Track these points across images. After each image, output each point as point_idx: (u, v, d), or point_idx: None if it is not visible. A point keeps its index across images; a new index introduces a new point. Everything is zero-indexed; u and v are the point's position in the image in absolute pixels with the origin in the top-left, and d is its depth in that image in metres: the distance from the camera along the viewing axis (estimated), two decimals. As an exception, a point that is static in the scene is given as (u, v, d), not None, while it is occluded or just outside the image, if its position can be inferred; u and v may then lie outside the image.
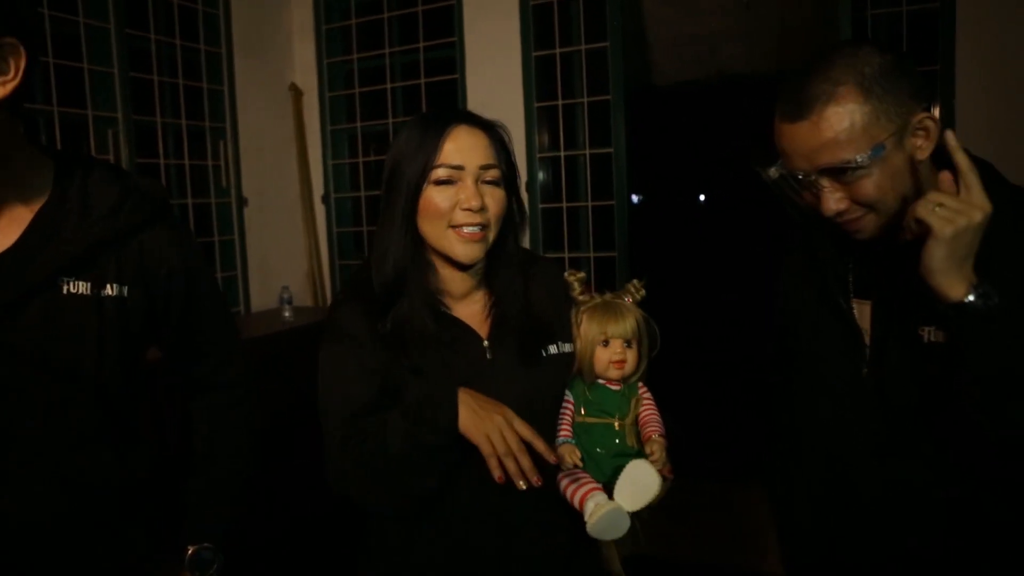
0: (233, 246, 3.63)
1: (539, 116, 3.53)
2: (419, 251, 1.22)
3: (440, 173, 1.17)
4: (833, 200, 1.04)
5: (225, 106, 3.57)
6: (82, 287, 0.99)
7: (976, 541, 1.06)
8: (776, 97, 1.07)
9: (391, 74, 3.84)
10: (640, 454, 1.18)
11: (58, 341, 0.98)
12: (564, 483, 1.18)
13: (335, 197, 4.04)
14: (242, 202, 3.64)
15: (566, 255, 3.56)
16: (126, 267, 1.03)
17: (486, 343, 1.24)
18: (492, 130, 1.23)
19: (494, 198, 1.20)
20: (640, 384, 1.27)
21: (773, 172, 1.09)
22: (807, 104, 1.00)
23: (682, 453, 1.21)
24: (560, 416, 1.23)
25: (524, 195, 1.43)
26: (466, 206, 1.16)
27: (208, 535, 1.17)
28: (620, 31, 3.34)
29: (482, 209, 1.17)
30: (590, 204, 3.52)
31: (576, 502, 1.15)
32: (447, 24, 3.65)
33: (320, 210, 4.05)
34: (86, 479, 1.04)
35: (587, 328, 1.24)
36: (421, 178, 1.17)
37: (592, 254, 3.52)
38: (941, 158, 1.08)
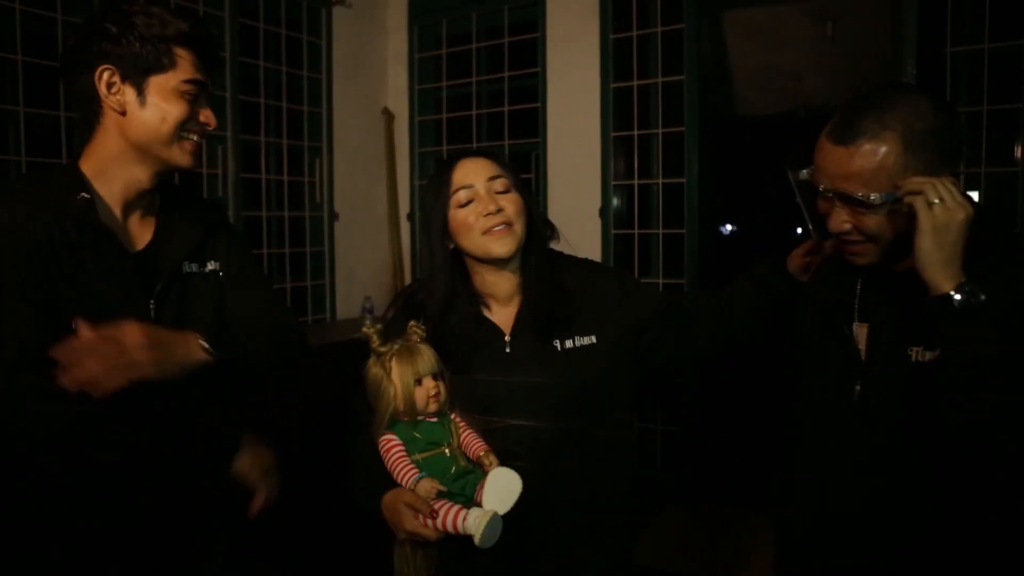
0: (323, 257, 3.90)
1: (615, 145, 3.66)
2: (461, 272, 1.44)
3: (459, 196, 1.39)
4: (839, 221, 1.15)
5: (323, 127, 3.86)
6: (195, 267, 1.39)
7: (954, 558, 1.12)
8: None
9: (477, 101, 4.05)
10: (476, 470, 1.29)
11: (192, 308, 1.36)
12: (437, 519, 1.24)
13: (420, 216, 4.26)
14: (333, 216, 3.91)
15: (635, 280, 3.65)
16: (216, 251, 1.43)
17: (508, 338, 1.43)
18: (492, 155, 1.46)
19: (509, 200, 1.40)
20: (450, 412, 1.36)
21: (804, 174, 1.20)
22: (852, 134, 1.09)
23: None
24: (395, 462, 1.30)
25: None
26: (485, 212, 1.37)
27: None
28: (696, 66, 3.44)
29: (500, 210, 1.37)
30: (661, 232, 3.61)
31: (451, 525, 1.22)
32: (531, 55, 3.83)
33: (405, 227, 4.28)
34: (214, 421, 1.39)
35: (400, 373, 1.30)
36: (445, 206, 1.40)
37: (661, 280, 3.60)
38: None
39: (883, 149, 1.08)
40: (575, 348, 1.40)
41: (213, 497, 1.39)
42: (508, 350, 1.42)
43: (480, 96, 4.06)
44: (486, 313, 1.45)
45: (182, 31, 1.28)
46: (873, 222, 1.12)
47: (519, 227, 1.39)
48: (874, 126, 1.08)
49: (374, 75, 4.17)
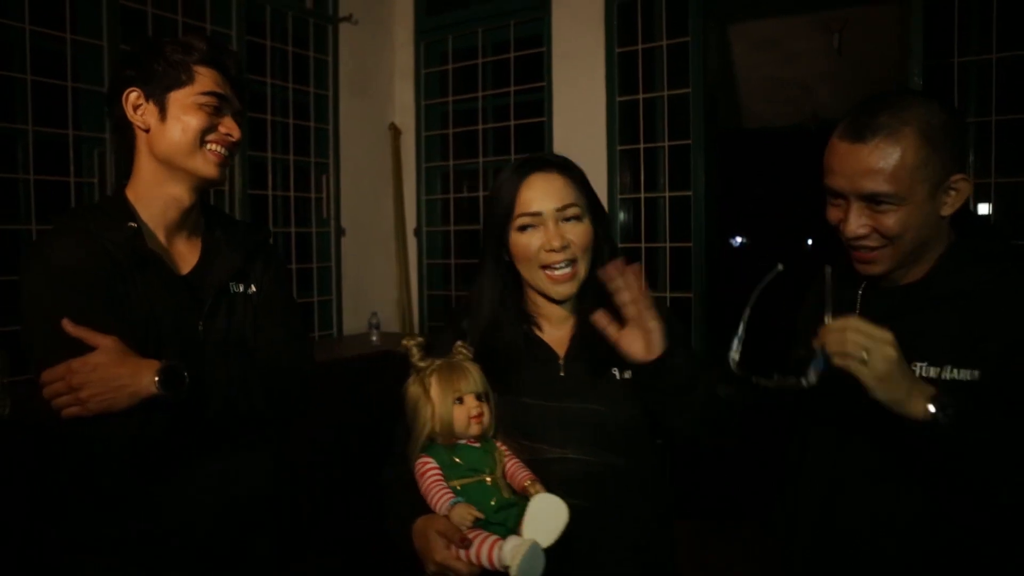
0: (330, 273, 3.90)
1: (621, 159, 3.65)
2: (513, 287, 1.37)
3: (521, 221, 1.30)
4: (858, 224, 1.13)
5: (329, 143, 3.87)
6: (241, 287, 1.45)
7: (963, 566, 1.10)
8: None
9: (483, 116, 4.06)
10: (521, 502, 1.15)
11: (236, 327, 1.41)
12: (470, 549, 1.11)
13: (427, 231, 4.27)
14: (340, 232, 3.91)
15: (643, 293, 3.63)
16: (256, 273, 1.48)
17: (561, 361, 1.34)
18: (568, 170, 1.34)
19: (576, 232, 1.30)
20: (494, 438, 1.26)
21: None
22: (871, 131, 1.09)
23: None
24: (430, 486, 1.19)
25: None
26: (548, 247, 1.28)
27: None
28: (702, 79, 3.43)
29: (565, 247, 1.28)
30: (668, 245, 3.59)
31: (485, 557, 1.09)
32: (537, 70, 3.84)
33: (412, 242, 4.28)
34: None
35: (439, 390, 1.22)
36: (505, 226, 1.31)
37: (668, 294, 3.58)
38: (955, 220, 1.17)
39: (904, 144, 1.08)
40: (633, 380, 1.29)
41: (259, 499, 1.44)
42: (562, 373, 1.33)
43: (486, 111, 4.06)
44: (537, 332, 1.36)
45: (201, 51, 1.37)
46: (895, 221, 1.11)
47: (583, 266, 1.31)
48: (893, 122, 1.08)
49: (381, 91, 4.19)
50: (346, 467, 3.17)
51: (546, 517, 1.10)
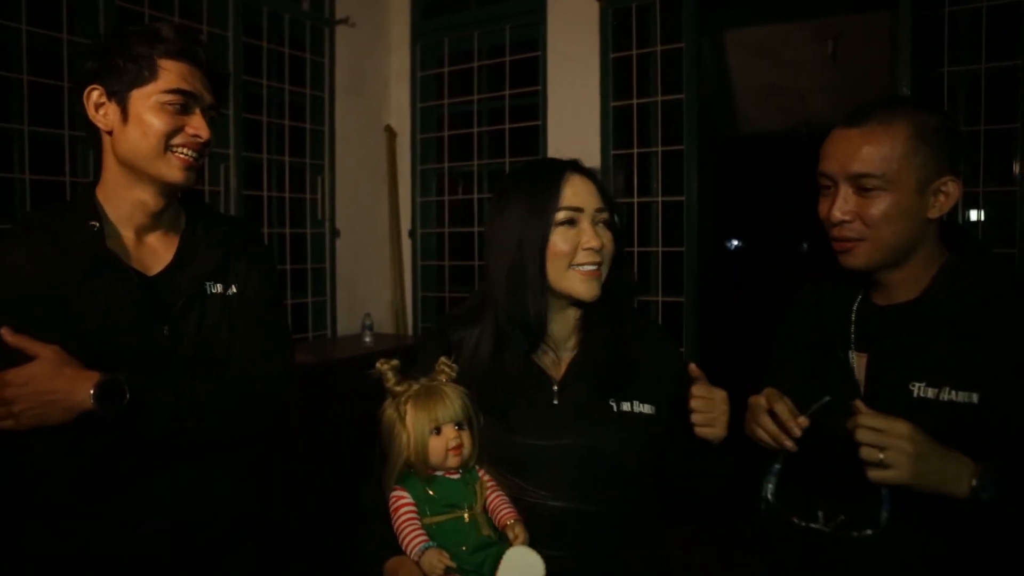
0: (324, 274, 3.92)
1: (615, 163, 3.67)
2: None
3: (562, 216, 1.22)
4: (842, 208, 1.16)
5: (325, 145, 3.89)
6: (220, 287, 1.35)
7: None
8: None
9: (478, 119, 4.08)
10: (500, 542, 1.10)
11: (210, 331, 1.32)
12: None
13: (421, 232, 4.28)
14: (335, 233, 3.93)
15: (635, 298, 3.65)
16: (238, 273, 1.38)
17: (555, 387, 1.26)
18: (596, 178, 1.30)
19: (608, 238, 1.25)
20: (477, 467, 1.18)
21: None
22: (865, 117, 1.15)
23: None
24: (402, 524, 1.12)
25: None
26: (587, 246, 1.21)
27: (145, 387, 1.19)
28: (695, 85, 3.45)
29: (601, 248, 1.22)
30: (660, 249, 3.61)
31: None
32: (532, 74, 3.86)
33: (407, 244, 4.30)
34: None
35: (415, 419, 1.14)
36: (547, 225, 1.22)
37: (660, 298, 3.60)
38: (947, 236, 1.19)
39: (896, 131, 1.13)
40: (632, 413, 1.24)
41: (225, 519, 1.33)
42: (555, 401, 1.25)
43: (481, 114, 4.08)
44: (533, 355, 1.27)
45: (168, 41, 1.25)
46: (879, 207, 1.14)
47: (605, 271, 1.25)
48: (885, 112, 1.15)
49: (376, 93, 4.21)
50: (339, 468, 3.18)
51: (519, 572, 1.06)
